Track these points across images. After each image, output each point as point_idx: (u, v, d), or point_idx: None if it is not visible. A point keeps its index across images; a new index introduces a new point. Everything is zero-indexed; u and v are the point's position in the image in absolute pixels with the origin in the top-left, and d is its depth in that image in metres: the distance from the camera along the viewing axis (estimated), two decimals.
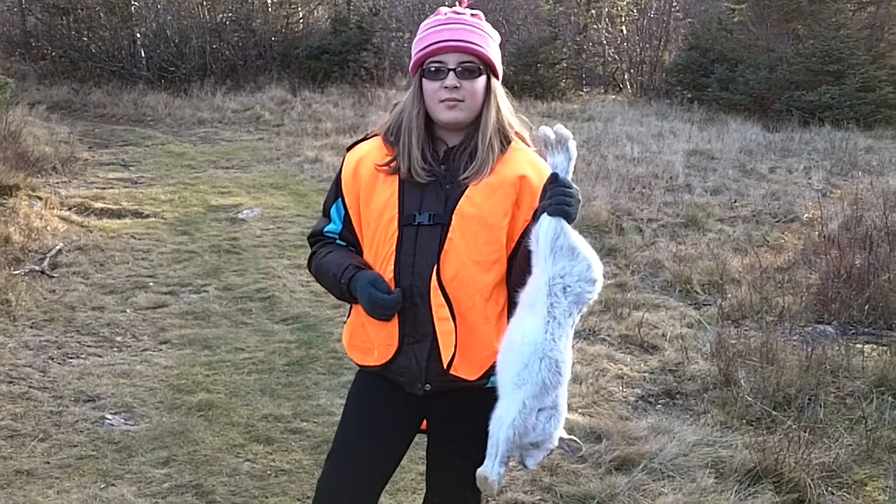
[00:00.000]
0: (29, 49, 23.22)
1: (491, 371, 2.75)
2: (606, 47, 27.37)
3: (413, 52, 2.81)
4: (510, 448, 2.59)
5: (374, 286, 2.70)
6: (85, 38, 22.86)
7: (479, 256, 2.72)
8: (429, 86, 2.75)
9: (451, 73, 2.72)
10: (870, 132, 17.83)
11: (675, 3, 27.76)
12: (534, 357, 2.50)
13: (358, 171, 2.83)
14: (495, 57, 2.80)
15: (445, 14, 2.80)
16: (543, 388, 2.51)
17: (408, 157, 2.76)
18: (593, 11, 28.31)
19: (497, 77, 2.82)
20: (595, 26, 28.09)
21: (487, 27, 2.81)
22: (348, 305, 2.97)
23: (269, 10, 24.95)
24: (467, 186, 2.74)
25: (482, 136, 2.76)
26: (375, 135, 2.91)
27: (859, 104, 18.76)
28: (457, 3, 2.87)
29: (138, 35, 22.66)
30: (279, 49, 23.60)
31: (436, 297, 2.72)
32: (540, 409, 2.54)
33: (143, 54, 22.54)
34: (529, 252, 2.60)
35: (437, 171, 2.78)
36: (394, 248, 2.75)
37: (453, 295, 2.73)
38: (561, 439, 2.64)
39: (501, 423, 2.56)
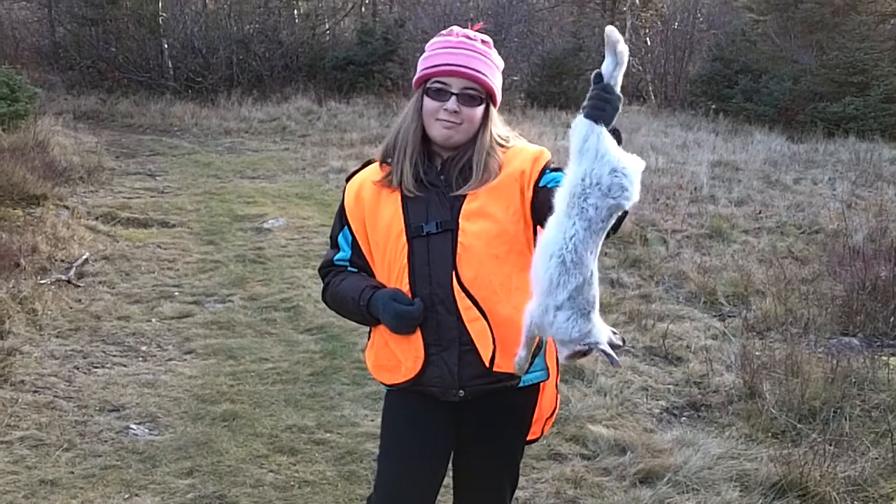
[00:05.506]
0: (57, 59, 23.47)
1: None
2: (631, 58, 27.31)
3: (420, 68, 2.85)
4: (530, 336, 2.65)
5: (395, 300, 2.75)
6: (113, 49, 23.08)
7: (494, 250, 2.76)
8: (430, 104, 2.80)
9: (454, 98, 2.77)
10: (895, 143, 17.71)
11: (699, 15, 27.72)
12: (545, 255, 2.53)
13: (360, 196, 2.89)
14: (497, 86, 2.85)
15: (457, 36, 2.83)
16: (551, 284, 2.52)
17: (400, 170, 2.81)
18: (617, 23, 28.27)
19: (496, 105, 2.87)
20: None
21: (495, 56, 2.86)
22: (368, 329, 2.99)
23: (296, 21, 25.13)
24: (467, 193, 2.79)
25: (477, 157, 2.81)
26: (374, 161, 2.96)
27: (884, 115, 18.68)
28: (469, 25, 2.90)
29: (166, 46, 22.88)
30: (305, 60, 23.75)
31: (462, 301, 2.75)
32: (557, 308, 2.52)
33: (170, 65, 22.76)
34: None
35: (437, 181, 2.82)
36: (405, 260, 2.79)
37: (478, 294, 2.75)
38: (597, 345, 2.56)
39: (525, 313, 2.62)
